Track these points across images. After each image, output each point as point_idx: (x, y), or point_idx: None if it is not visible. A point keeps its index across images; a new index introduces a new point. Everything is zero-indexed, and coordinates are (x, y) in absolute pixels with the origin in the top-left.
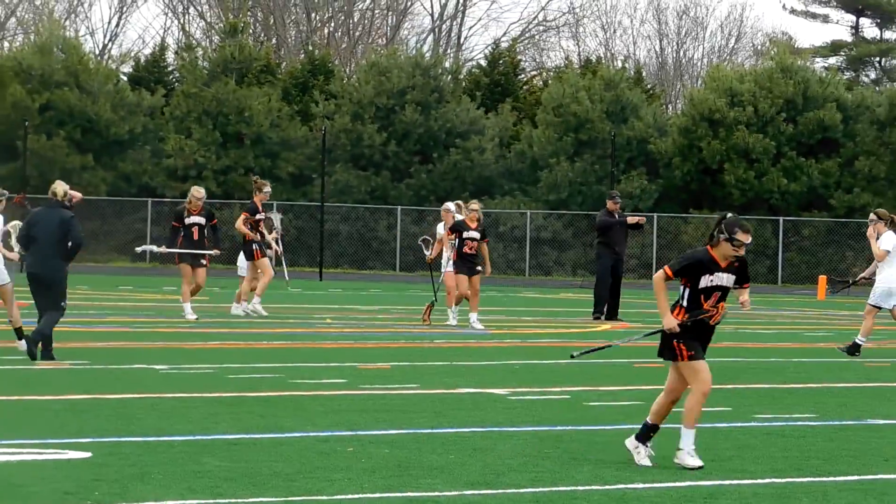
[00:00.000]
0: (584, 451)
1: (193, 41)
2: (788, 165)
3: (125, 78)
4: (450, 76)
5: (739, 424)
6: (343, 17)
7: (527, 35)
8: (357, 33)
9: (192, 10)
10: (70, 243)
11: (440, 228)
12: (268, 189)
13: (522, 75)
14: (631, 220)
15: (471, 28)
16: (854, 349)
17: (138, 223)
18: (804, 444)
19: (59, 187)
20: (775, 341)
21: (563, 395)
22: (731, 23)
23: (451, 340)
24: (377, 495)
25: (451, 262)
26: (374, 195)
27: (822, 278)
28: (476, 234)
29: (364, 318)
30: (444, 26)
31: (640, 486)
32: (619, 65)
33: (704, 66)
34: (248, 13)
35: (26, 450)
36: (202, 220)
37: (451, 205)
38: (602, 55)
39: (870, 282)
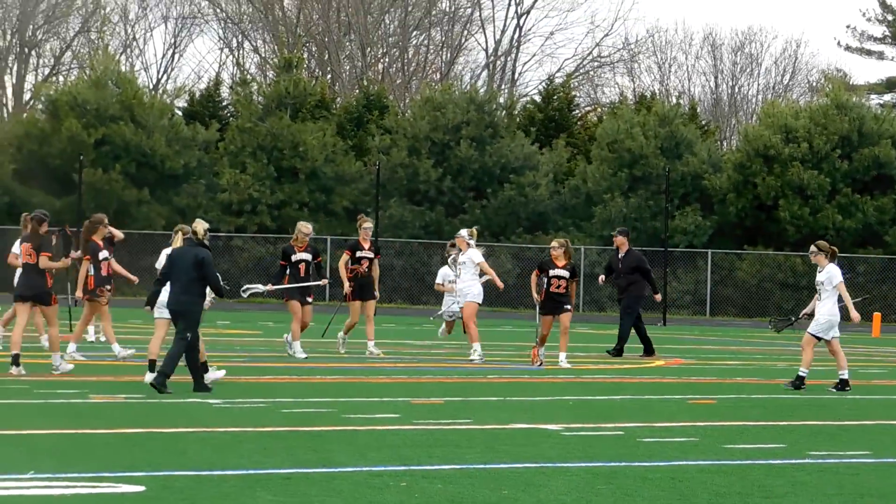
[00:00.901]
0: (637, 488)
1: (248, 76)
2: (843, 202)
3: (180, 112)
4: (504, 112)
5: (793, 461)
6: (398, 53)
7: (581, 71)
8: (411, 69)
9: (246, 44)
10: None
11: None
12: (368, 225)
13: (577, 111)
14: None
15: (525, 64)
16: (799, 382)
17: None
18: (858, 481)
19: (199, 226)
20: (829, 378)
21: (617, 431)
22: (785, 59)
23: (505, 376)
24: None
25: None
26: (428, 230)
27: (877, 315)
28: (564, 273)
29: (417, 353)
30: (498, 62)
31: None
32: (674, 101)
33: (759, 103)
34: (303, 48)
35: (80, 483)
36: (308, 257)
37: (464, 232)
38: (657, 91)
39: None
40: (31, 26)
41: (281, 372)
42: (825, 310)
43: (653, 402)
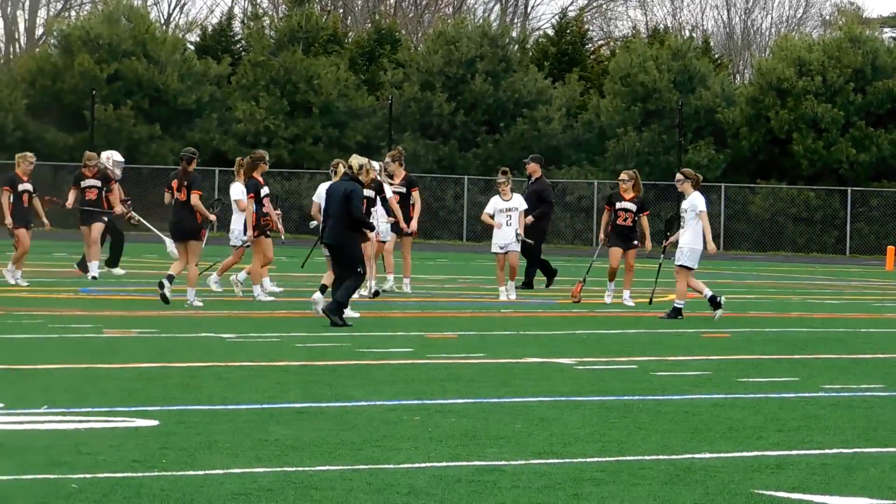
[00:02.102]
0: (651, 421)
1: (260, 10)
2: (857, 135)
3: (192, 47)
4: (517, 46)
5: (807, 395)
6: None
7: (594, 4)
8: (424, 2)
9: None
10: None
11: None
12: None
13: (590, 45)
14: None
15: None
16: (675, 313)
17: (206, 192)
18: (872, 414)
19: (354, 161)
20: (843, 311)
21: (631, 365)
22: None
23: (519, 310)
24: (444, 464)
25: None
26: (441, 164)
27: (891, 248)
28: (632, 206)
29: (431, 288)
30: None
31: (707, 455)
32: (687, 34)
33: (772, 36)
34: None
35: (94, 418)
36: (372, 194)
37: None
38: (669, 25)
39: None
40: None
41: (294, 307)
42: (687, 238)
43: (666, 336)
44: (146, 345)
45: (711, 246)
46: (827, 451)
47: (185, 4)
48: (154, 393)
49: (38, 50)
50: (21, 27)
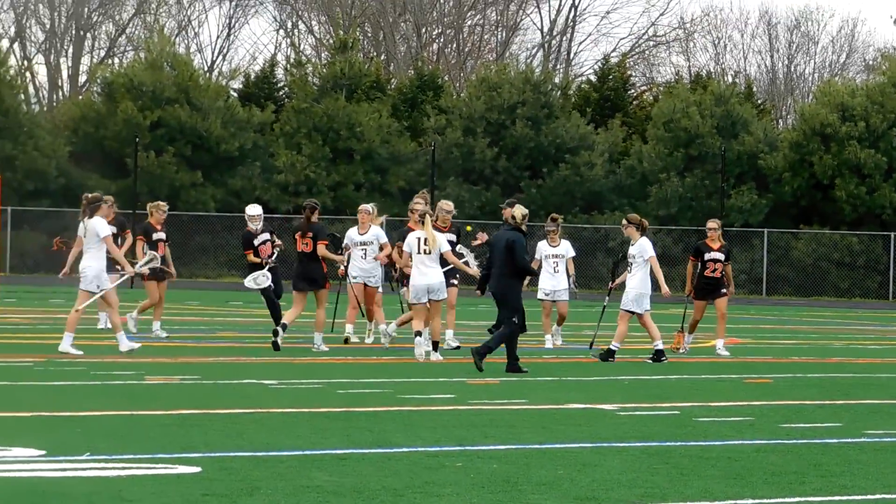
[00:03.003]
0: (693, 467)
1: (303, 57)
2: None
3: (235, 94)
4: (559, 91)
5: (849, 440)
6: (452, 33)
7: (637, 50)
8: (466, 49)
9: (301, 25)
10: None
11: (351, 233)
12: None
13: (632, 90)
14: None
15: (581, 43)
16: (609, 354)
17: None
18: None
19: (517, 211)
20: (886, 357)
21: (673, 411)
22: (842, 38)
23: (561, 356)
24: None
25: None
26: (484, 210)
27: None
28: (720, 256)
29: (473, 334)
30: (553, 42)
31: (749, 501)
32: (730, 80)
33: (815, 81)
34: (358, 29)
35: (136, 464)
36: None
37: (369, 206)
38: (712, 70)
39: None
40: (86, 9)
41: (336, 353)
42: (634, 283)
43: (708, 381)
44: (188, 391)
45: (665, 290)
46: (870, 496)
47: (228, 51)
48: (196, 439)
49: (81, 97)
50: (64, 74)
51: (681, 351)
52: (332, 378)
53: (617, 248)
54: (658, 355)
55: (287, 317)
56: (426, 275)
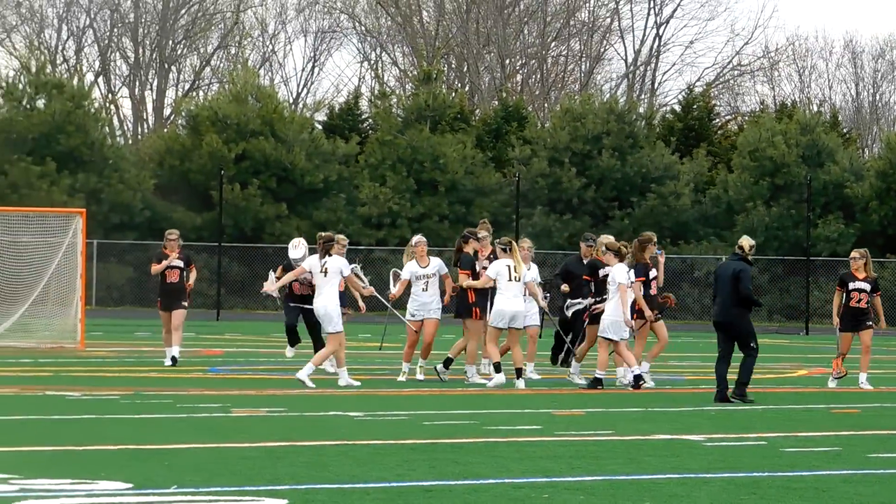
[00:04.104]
0: (780, 498)
1: (387, 89)
2: None
3: (319, 126)
4: (644, 121)
5: None
6: (536, 64)
7: (721, 80)
8: (550, 79)
9: (385, 57)
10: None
11: (412, 266)
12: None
13: (717, 120)
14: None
15: (665, 73)
16: (596, 383)
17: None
18: None
19: (745, 242)
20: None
21: (760, 441)
22: None
23: (646, 386)
24: None
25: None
26: (572, 240)
27: None
28: (866, 286)
29: (558, 366)
30: (637, 72)
31: None
32: (815, 108)
33: None
34: (442, 60)
35: (223, 497)
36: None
37: (420, 237)
38: (797, 99)
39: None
40: (170, 42)
41: (422, 385)
42: (609, 310)
43: (795, 411)
44: (274, 423)
45: (628, 319)
46: None
47: (312, 83)
48: (282, 472)
49: (166, 129)
50: (149, 107)
51: (841, 374)
52: (417, 410)
53: (702, 279)
54: (596, 383)
55: (453, 351)
56: (512, 302)
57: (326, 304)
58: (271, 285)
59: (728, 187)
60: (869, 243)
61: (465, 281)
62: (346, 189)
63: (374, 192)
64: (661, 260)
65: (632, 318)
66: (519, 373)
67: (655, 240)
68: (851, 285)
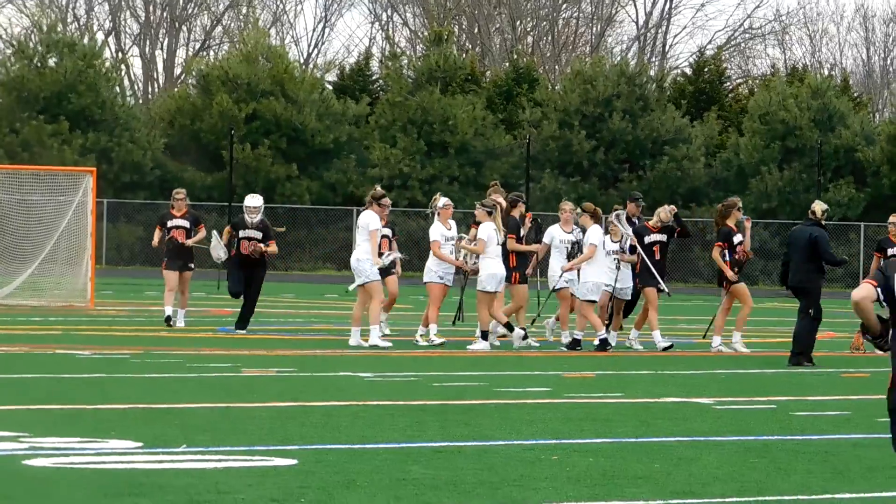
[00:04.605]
0: (790, 462)
1: (398, 50)
2: None
3: (330, 87)
4: (655, 84)
5: None
6: (547, 26)
7: (732, 43)
8: (561, 42)
9: (396, 18)
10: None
11: (442, 229)
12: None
13: (728, 83)
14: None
15: (676, 36)
16: (575, 344)
17: (343, 232)
18: None
19: (817, 207)
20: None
21: (770, 405)
22: None
23: (655, 350)
24: None
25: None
26: (581, 202)
27: None
28: None
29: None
30: (648, 34)
31: (847, 495)
32: (826, 73)
33: None
34: (453, 22)
35: (233, 457)
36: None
37: (447, 200)
38: (808, 63)
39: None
40: (181, 1)
41: (431, 347)
42: (589, 272)
43: (805, 375)
44: (284, 384)
45: (567, 266)
46: None
47: (323, 44)
48: (292, 432)
49: (176, 89)
50: (160, 66)
51: (858, 348)
52: (427, 371)
53: (713, 241)
54: (573, 345)
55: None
56: (501, 266)
57: (358, 258)
58: (219, 248)
59: (739, 150)
60: (879, 208)
61: (511, 244)
62: (357, 150)
63: (385, 154)
64: (748, 225)
65: (665, 282)
66: (485, 335)
67: (740, 205)
68: (890, 251)
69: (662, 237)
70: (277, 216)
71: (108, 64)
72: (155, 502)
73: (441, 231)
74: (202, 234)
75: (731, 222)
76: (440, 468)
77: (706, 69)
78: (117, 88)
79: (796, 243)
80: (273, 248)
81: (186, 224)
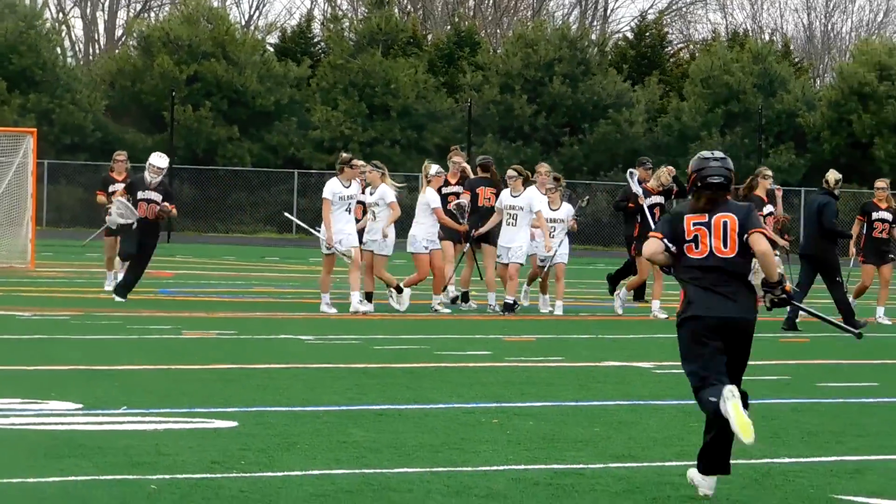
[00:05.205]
0: None
1: (340, 12)
2: None
3: (271, 49)
4: (596, 49)
5: (887, 400)
6: None
7: (674, 7)
8: (503, 5)
9: None
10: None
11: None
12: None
13: (669, 48)
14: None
15: (617, 0)
16: (507, 308)
17: (285, 194)
18: None
19: (831, 176)
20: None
21: None
22: None
23: (597, 314)
24: (522, 467)
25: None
26: (523, 166)
27: None
28: (888, 216)
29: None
30: None
31: (786, 460)
32: (767, 38)
33: (852, 40)
34: None
35: (174, 419)
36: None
37: (439, 168)
38: (749, 28)
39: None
40: None
41: (374, 309)
42: (522, 235)
43: None
44: (225, 346)
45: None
46: None
47: (264, 6)
48: (233, 394)
49: (117, 51)
50: (101, 28)
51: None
52: (369, 334)
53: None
54: (507, 307)
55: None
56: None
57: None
58: (128, 214)
59: (681, 115)
60: (821, 173)
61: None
62: (298, 113)
63: (326, 116)
64: (779, 195)
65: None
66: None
67: (767, 173)
68: (875, 215)
69: (661, 199)
70: (219, 178)
71: (48, 25)
72: (95, 464)
73: (436, 197)
74: (174, 212)
75: (759, 192)
76: (381, 431)
77: (647, 34)
78: (58, 50)
79: (808, 212)
80: (174, 211)
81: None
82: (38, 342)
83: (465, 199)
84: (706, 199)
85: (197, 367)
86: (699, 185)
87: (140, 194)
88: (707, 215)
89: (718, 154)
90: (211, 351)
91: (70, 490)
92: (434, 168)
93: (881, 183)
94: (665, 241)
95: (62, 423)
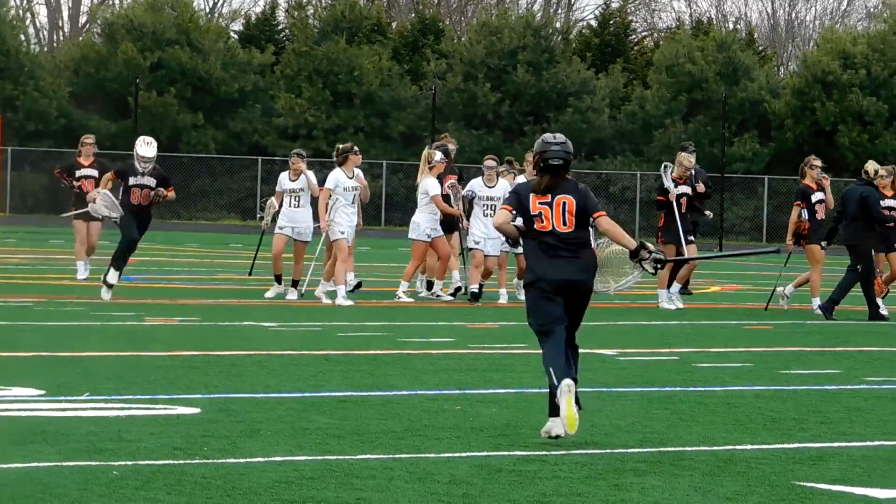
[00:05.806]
0: (692, 413)
1: None
2: None
3: (235, 36)
4: (560, 37)
5: (849, 387)
6: None
7: None
8: None
9: None
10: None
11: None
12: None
13: (633, 36)
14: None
15: None
16: (475, 297)
17: (248, 181)
18: None
19: (871, 166)
20: (886, 304)
21: (672, 357)
22: None
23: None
24: (485, 454)
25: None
26: (486, 154)
27: None
28: (894, 203)
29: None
30: None
31: (749, 447)
32: (731, 26)
33: (816, 28)
34: None
35: (136, 405)
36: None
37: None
38: (713, 16)
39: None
40: None
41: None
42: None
43: (708, 327)
44: (188, 333)
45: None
46: (869, 443)
47: None
48: (196, 381)
49: (81, 38)
50: (65, 15)
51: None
52: (332, 321)
53: (617, 194)
54: (457, 291)
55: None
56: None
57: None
58: (113, 209)
59: (644, 103)
60: (784, 161)
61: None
62: (262, 100)
63: (290, 104)
64: (826, 184)
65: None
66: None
67: (818, 162)
68: (882, 203)
69: (688, 189)
70: (183, 165)
71: (13, 12)
72: (58, 450)
73: (436, 185)
74: (172, 195)
75: (808, 181)
76: (344, 417)
77: (612, 22)
78: (22, 36)
79: (849, 202)
80: (172, 194)
81: (95, 173)
82: (1, 329)
83: (454, 181)
84: (548, 180)
85: (160, 353)
86: (542, 165)
87: (132, 180)
88: (550, 195)
89: (560, 137)
90: (174, 338)
91: (33, 476)
92: (439, 154)
93: (884, 171)
94: (513, 212)
95: (25, 410)
